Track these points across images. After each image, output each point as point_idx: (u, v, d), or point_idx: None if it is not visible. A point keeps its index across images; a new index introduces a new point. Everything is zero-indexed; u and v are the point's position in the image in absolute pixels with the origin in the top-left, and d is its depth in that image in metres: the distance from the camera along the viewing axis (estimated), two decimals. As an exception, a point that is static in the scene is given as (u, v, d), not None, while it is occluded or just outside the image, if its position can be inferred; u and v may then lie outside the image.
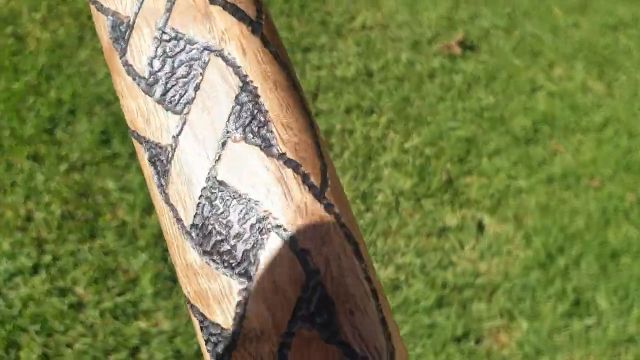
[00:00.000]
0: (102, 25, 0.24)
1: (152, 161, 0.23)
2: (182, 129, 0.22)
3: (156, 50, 0.23)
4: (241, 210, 0.21)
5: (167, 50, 0.23)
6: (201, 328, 0.22)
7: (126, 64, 0.23)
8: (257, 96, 0.22)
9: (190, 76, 0.22)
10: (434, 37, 2.22)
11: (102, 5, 0.24)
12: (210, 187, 0.22)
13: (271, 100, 0.22)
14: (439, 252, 1.75)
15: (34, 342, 1.39)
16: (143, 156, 0.24)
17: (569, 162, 2.03)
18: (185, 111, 0.22)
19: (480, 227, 1.84)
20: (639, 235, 1.92)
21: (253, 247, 0.21)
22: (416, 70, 2.11)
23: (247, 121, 0.22)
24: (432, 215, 1.81)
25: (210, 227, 0.22)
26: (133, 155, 1.68)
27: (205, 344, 0.22)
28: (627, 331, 1.72)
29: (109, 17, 0.23)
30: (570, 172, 2.01)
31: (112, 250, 1.53)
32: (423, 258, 1.72)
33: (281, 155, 0.22)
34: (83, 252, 1.51)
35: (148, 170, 0.24)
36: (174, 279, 1.53)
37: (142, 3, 0.23)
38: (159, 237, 1.57)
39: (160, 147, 0.23)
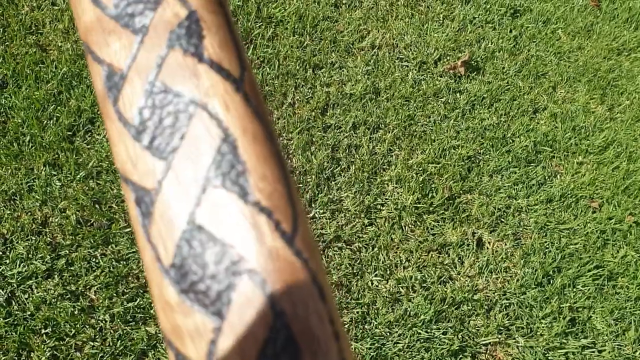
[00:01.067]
0: (98, 74, 0.26)
1: (138, 202, 0.24)
2: (166, 174, 0.24)
3: (146, 101, 0.25)
4: (217, 253, 0.23)
5: (156, 101, 0.25)
6: None
7: (118, 111, 0.25)
8: (236, 148, 0.24)
9: (176, 126, 0.24)
10: (440, 58, 2.28)
11: (98, 56, 0.26)
12: (190, 229, 0.23)
13: (249, 153, 0.24)
14: (439, 267, 1.80)
15: (45, 345, 1.44)
16: (130, 197, 0.25)
17: (568, 183, 2.08)
18: (170, 158, 0.24)
19: (480, 244, 1.89)
20: (636, 257, 1.96)
21: (226, 288, 0.22)
22: (422, 90, 2.17)
23: (226, 170, 0.23)
24: (433, 231, 1.86)
25: (187, 267, 0.23)
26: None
27: None
28: (623, 353, 1.76)
29: (104, 67, 0.25)
30: (570, 193, 2.06)
31: (125, 256, 1.59)
32: (423, 272, 1.77)
33: (256, 203, 0.23)
34: (96, 257, 1.57)
35: (133, 211, 0.25)
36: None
37: (135, 57, 0.25)
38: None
39: (146, 190, 0.24)
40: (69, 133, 1.72)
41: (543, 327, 1.76)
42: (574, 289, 1.87)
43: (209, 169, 0.24)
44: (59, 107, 1.75)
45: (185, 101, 0.24)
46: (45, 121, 1.72)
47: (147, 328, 1.50)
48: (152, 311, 1.53)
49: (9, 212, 1.58)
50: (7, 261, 1.53)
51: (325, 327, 0.23)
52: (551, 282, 1.86)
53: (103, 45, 0.26)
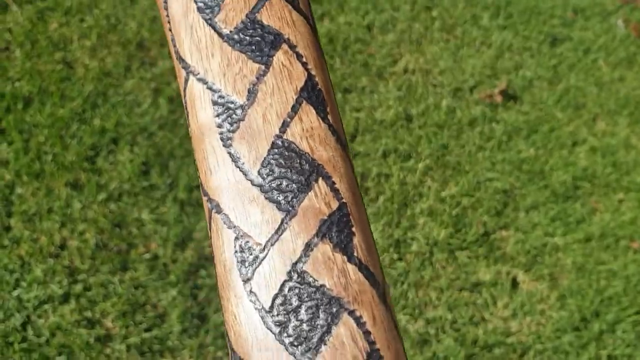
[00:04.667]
0: (228, 241, 0.23)
1: None
2: None
3: (283, 285, 0.22)
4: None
5: (296, 290, 0.22)
6: None
7: (250, 291, 0.23)
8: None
9: (315, 323, 0.22)
10: (476, 85, 2.21)
11: (232, 222, 0.24)
12: None
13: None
14: (470, 307, 1.71)
15: (59, 373, 1.39)
16: None
17: (608, 222, 1.98)
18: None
19: (515, 284, 1.79)
20: (677, 301, 1.86)
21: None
22: (456, 118, 2.10)
23: None
24: (465, 269, 1.77)
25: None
26: (171, 186, 1.68)
27: None
28: (663, 404, 1.65)
29: (239, 236, 0.23)
30: (609, 232, 1.96)
31: (143, 283, 1.53)
32: (454, 313, 1.68)
33: None
34: (114, 284, 1.51)
35: None
36: (201, 317, 1.52)
37: (280, 237, 0.23)
38: (189, 273, 1.57)
39: None
40: (92, 153, 1.68)
41: (580, 375, 1.66)
42: (613, 335, 1.76)
43: None
44: (82, 126, 1.71)
45: (328, 298, 0.23)
46: (68, 140, 1.68)
47: (163, 361, 1.44)
48: (169, 342, 1.47)
49: (27, 233, 1.54)
50: (24, 284, 1.48)
51: None
52: (588, 327, 1.76)
53: (240, 212, 0.24)
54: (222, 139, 0.24)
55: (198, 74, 0.25)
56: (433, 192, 1.89)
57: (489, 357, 1.64)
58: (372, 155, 1.93)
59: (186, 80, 0.25)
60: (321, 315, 0.22)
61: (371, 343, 0.22)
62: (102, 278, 1.52)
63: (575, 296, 1.80)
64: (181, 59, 0.26)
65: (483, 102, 2.16)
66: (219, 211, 0.24)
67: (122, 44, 1.90)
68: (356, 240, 0.23)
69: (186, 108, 0.26)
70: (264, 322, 0.22)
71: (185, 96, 0.26)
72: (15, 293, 1.46)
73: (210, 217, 0.24)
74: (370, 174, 1.89)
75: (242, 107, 0.24)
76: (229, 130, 0.24)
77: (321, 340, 0.22)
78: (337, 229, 0.23)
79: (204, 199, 0.25)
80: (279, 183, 0.24)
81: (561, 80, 2.32)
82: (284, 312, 0.22)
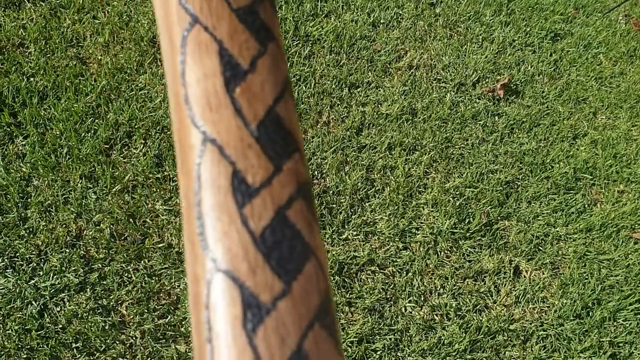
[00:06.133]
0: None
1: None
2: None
3: None
4: None
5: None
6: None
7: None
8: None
9: None
10: (478, 80, 2.25)
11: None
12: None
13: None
14: (474, 295, 1.75)
15: None
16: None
17: (609, 213, 2.02)
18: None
19: (517, 272, 1.83)
20: (678, 291, 1.89)
21: None
22: (460, 112, 2.14)
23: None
24: (469, 257, 1.81)
25: None
26: (181, 179, 1.72)
27: None
28: (663, 390, 1.69)
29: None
30: (610, 222, 2.00)
31: (157, 272, 1.57)
32: (459, 300, 1.73)
33: None
34: (129, 272, 1.56)
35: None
36: (213, 305, 1.56)
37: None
38: (201, 262, 1.61)
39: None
40: (106, 146, 1.72)
41: (582, 361, 1.69)
42: (615, 323, 1.80)
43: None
44: (97, 120, 1.76)
45: None
46: (83, 133, 1.72)
47: (177, 346, 1.48)
48: (182, 329, 1.51)
49: (44, 223, 1.58)
50: (41, 273, 1.52)
51: None
52: (590, 314, 1.80)
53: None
54: None
55: None
56: (437, 184, 1.93)
57: (493, 343, 1.68)
58: (378, 148, 1.97)
59: None
60: None
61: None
62: (117, 267, 1.56)
63: (577, 284, 1.84)
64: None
65: (486, 97, 2.20)
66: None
67: (135, 40, 1.95)
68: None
69: None
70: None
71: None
72: (32, 282, 1.50)
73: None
74: (376, 166, 1.93)
75: None
76: None
77: None
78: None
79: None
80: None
81: (562, 75, 2.36)
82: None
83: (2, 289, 1.48)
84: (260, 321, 0.24)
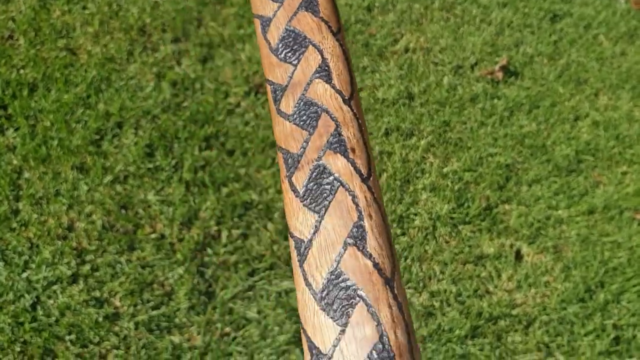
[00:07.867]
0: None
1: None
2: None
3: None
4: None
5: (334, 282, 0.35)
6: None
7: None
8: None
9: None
10: (476, 62, 2.21)
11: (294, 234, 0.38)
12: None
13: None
14: (475, 280, 1.72)
15: (69, 352, 1.41)
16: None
17: (611, 194, 1.98)
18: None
19: (518, 256, 1.80)
20: (683, 272, 1.85)
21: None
22: (458, 95, 2.10)
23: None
24: (469, 242, 1.78)
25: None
26: (175, 167, 1.70)
27: None
28: (669, 373, 1.66)
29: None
30: (613, 204, 1.96)
31: (150, 263, 1.55)
32: (459, 286, 1.70)
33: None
34: (121, 263, 1.54)
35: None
36: (208, 294, 1.54)
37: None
38: (195, 251, 1.59)
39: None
40: (97, 137, 1.70)
41: (585, 345, 1.66)
42: (618, 305, 1.77)
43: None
44: (87, 111, 1.73)
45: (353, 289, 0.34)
46: (74, 124, 1.70)
47: (171, 337, 1.46)
48: (176, 320, 1.49)
49: (35, 215, 1.56)
50: (33, 265, 1.51)
51: None
52: (593, 297, 1.76)
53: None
54: None
55: None
56: (435, 169, 1.90)
57: (495, 329, 1.65)
58: (374, 133, 1.94)
59: None
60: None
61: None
62: (109, 258, 1.54)
63: (580, 267, 1.80)
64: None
65: (484, 79, 2.17)
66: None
67: (124, 29, 1.92)
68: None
69: None
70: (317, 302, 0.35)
71: None
72: (24, 275, 1.49)
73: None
74: (373, 152, 1.90)
75: None
76: None
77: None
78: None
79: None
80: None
81: (562, 56, 2.32)
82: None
83: (-7, 283, 1.46)
84: None
